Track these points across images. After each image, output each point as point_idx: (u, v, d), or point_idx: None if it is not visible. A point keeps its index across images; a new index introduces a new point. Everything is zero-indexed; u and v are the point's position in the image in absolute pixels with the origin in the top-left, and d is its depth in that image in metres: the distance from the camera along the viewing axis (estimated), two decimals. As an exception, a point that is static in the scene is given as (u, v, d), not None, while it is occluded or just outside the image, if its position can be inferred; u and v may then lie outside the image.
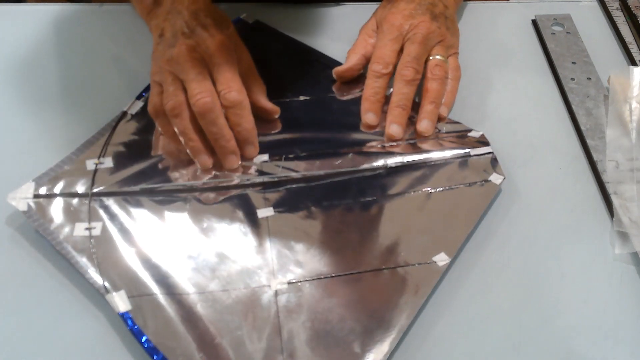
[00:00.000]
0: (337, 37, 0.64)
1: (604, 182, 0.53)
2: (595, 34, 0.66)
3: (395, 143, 0.55)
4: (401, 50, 0.58)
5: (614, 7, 0.69)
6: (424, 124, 0.56)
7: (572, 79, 0.61)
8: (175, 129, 0.52)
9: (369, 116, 0.56)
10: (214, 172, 0.53)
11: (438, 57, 0.58)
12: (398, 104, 0.56)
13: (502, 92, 0.61)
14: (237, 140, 0.52)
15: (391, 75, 0.57)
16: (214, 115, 0.51)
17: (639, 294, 0.48)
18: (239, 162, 0.53)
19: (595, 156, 0.55)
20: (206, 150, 0.52)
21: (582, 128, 0.57)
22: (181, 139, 0.52)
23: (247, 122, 0.52)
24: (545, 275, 0.48)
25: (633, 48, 0.65)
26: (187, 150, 0.52)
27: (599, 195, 0.53)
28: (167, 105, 0.51)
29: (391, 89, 0.57)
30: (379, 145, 0.55)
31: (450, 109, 0.58)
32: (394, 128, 0.55)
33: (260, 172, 0.53)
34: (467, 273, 0.48)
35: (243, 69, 0.54)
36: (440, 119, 0.57)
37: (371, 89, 0.57)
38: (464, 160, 0.54)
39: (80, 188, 0.51)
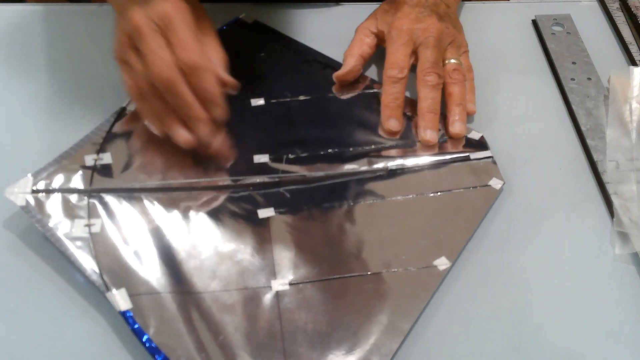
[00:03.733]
0: (337, 37, 0.64)
1: (604, 182, 0.53)
2: (595, 34, 0.66)
3: (394, 143, 0.55)
4: (413, 54, 0.58)
5: (614, 7, 0.69)
6: (457, 126, 0.56)
7: (572, 79, 0.61)
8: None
9: (391, 122, 0.56)
10: (214, 171, 0.53)
11: (453, 61, 0.58)
12: (429, 110, 0.56)
13: (502, 92, 0.61)
14: (202, 104, 0.50)
15: (407, 79, 0.57)
16: (175, 86, 0.48)
17: (639, 294, 0.48)
18: (209, 130, 0.50)
19: (595, 156, 0.55)
20: (181, 124, 0.50)
21: (582, 128, 0.57)
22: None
23: (209, 83, 0.49)
24: (545, 275, 0.48)
25: (633, 48, 0.65)
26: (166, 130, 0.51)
27: (599, 195, 0.53)
28: (136, 85, 0.49)
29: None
30: (380, 147, 0.55)
31: (475, 104, 0.58)
32: (430, 133, 0.55)
33: (261, 173, 0.53)
34: (467, 273, 0.48)
35: (203, 37, 0.52)
36: (469, 113, 0.57)
37: (390, 94, 0.56)
38: (463, 163, 0.54)
39: (79, 184, 0.51)
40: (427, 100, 0.56)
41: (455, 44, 0.59)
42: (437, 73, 0.56)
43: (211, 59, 0.51)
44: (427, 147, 0.55)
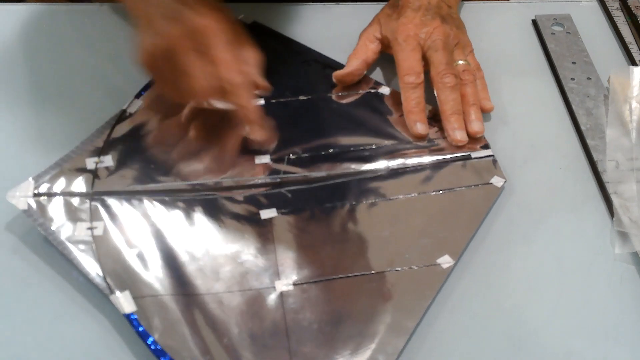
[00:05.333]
0: (337, 37, 0.64)
1: (604, 182, 0.53)
2: (595, 34, 0.66)
3: (395, 142, 0.55)
4: (423, 58, 0.58)
5: (614, 7, 0.69)
6: (475, 125, 0.56)
7: (572, 79, 0.61)
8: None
9: (419, 127, 0.56)
10: (216, 172, 0.52)
11: (461, 62, 0.58)
12: (453, 111, 0.56)
13: (502, 92, 0.61)
14: (244, 123, 0.52)
15: (424, 83, 0.57)
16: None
17: (639, 294, 0.48)
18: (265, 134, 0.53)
19: (595, 156, 0.55)
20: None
21: (582, 128, 0.57)
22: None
23: (247, 101, 0.51)
24: (545, 274, 0.48)
25: (633, 48, 0.65)
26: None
27: (599, 195, 0.53)
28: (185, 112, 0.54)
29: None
30: (381, 146, 0.55)
31: (490, 100, 0.59)
32: (459, 134, 0.55)
33: (263, 173, 0.53)
34: (467, 273, 0.48)
35: (237, 41, 0.52)
36: (486, 110, 0.58)
37: (412, 100, 0.56)
38: (465, 162, 0.54)
39: (81, 187, 0.50)
40: (449, 102, 0.56)
41: (460, 45, 0.59)
42: (452, 74, 0.56)
43: (247, 61, 0.52)
44: (428, 147, 0.55)
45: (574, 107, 0.59)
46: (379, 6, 0.64)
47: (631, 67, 0.60)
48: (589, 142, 0.56)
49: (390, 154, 0.54)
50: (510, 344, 0.45)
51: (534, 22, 0.68)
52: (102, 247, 0.47)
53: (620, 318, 0.46)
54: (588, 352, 0.45)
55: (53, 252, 0.48)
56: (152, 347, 0.43)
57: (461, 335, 0.45)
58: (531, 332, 0.46)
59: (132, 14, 0.54)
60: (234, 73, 0.50)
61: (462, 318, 0.46)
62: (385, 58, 0.62)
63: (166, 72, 0.51)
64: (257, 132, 0.52)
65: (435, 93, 0.57)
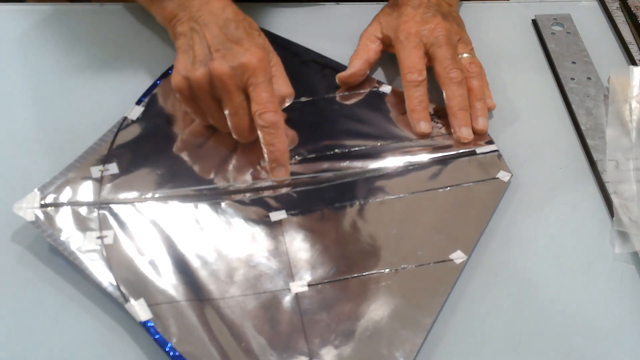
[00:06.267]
0: (337, 38, 0.64)
1: (604, 181, 0.53)
2: (595, 34, 0.66)
3: (399, 140, 0.55)
4: (425, 56, 0.58)
5: (614, 7, 0.69)
6: (481, 122, 0.56)
7: (572, 79, 0.61)
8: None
9: (422, 125, 0.56)
10: (223, 177, 0.52)
11: (466, 55, 0.58)
12: (460, 107, 0.56)
13: (502, 92, 0.61)
14: (268, 161, 0.51)
15: (426, 81, 0.57)
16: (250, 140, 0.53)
17: (639, 293, 0.48)
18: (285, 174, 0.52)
19: (595, 156, 0.55)
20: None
21: (582, 128, 0.57)
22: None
23: (280, 142, 0.51)
24: (545, 275, 0.48)
25: (633, 48, 0.65)
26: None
27: (599, 194, 0.53)
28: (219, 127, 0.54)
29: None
30: (387, 144, 0.55)
31: (492, 99, 0.59)
32: (465, 131, 0.55)
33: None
34: (467, 272, 0.48)
35: (273, 74, 0.53)
36: (489, 108, 0.58)
37: (415, 98, 0.56)
38: (470, 158, 0.54)
39: (88, 196, 0.50)
40: (456, 98, 0.56)
41: (463, 41, 0.59)
42: (458, 68, 0.56)
43: (278, 95, 0.53)
44: (433, 144, 0.55)
45: (574, 107, 0.59)
46: (379, 6, 0.64)
47: (631, 67, 0.60)
48: (589, 141, 0.56)
49: (395, 152, 0.55)
50: (510, 343, 0.45)
51: (534, 22, 0.68)
52: (113, 256, 0.47)
53: (620, 318, 0.46)
54: (588, 352, 0.45)
55: (59, 261, 0.47)
56: (171, 353, 0.42)
57: (460, 334, 0.45)
58: (531, 331, 0.45)
59: (174, 37, 0.55)
60: (271, 113, 0.50)
61: (461, 317, 0.46)
62: (386, 57, 0.62)
63: (202, 101, 0.52)
64: (278, 172, 0.52)
65: (442, 88, 0.57)
